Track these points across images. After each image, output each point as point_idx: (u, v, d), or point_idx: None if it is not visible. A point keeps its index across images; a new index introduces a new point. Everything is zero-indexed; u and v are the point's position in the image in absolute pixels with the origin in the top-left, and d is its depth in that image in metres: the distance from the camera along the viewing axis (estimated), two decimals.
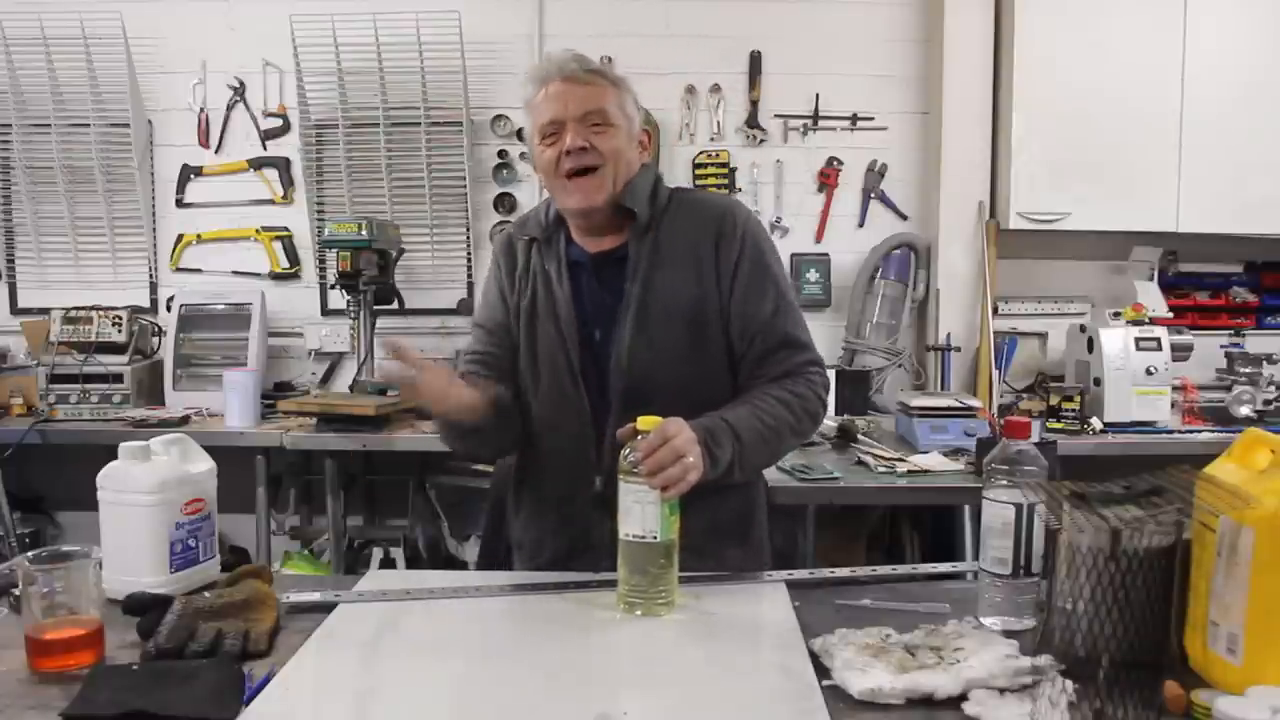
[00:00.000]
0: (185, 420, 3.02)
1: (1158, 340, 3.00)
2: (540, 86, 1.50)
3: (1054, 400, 2.95)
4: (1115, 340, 3.00)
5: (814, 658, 1.11)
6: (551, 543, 1.56)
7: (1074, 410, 2.91)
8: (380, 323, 3.29)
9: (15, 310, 3.52)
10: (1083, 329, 3.17)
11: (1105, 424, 2.95)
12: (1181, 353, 3.07)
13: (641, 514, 1.25)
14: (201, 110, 3.46)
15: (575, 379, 1.50)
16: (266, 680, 1.06)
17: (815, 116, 3.48)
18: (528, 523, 1.61)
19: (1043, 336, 3.50)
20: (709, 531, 1.47)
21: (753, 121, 3.48)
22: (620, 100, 1.52)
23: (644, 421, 1.28)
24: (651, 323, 1.49)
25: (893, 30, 3.45)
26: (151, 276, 3.52)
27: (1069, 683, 0.92)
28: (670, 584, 1.28)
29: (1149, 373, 2.96)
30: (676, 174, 3.43)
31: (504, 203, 3.48)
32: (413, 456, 3.01)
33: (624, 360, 1.48)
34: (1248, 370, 3.19)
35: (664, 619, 1.26)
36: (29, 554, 1.15)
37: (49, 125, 3.38)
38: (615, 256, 1.54)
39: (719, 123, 3.47)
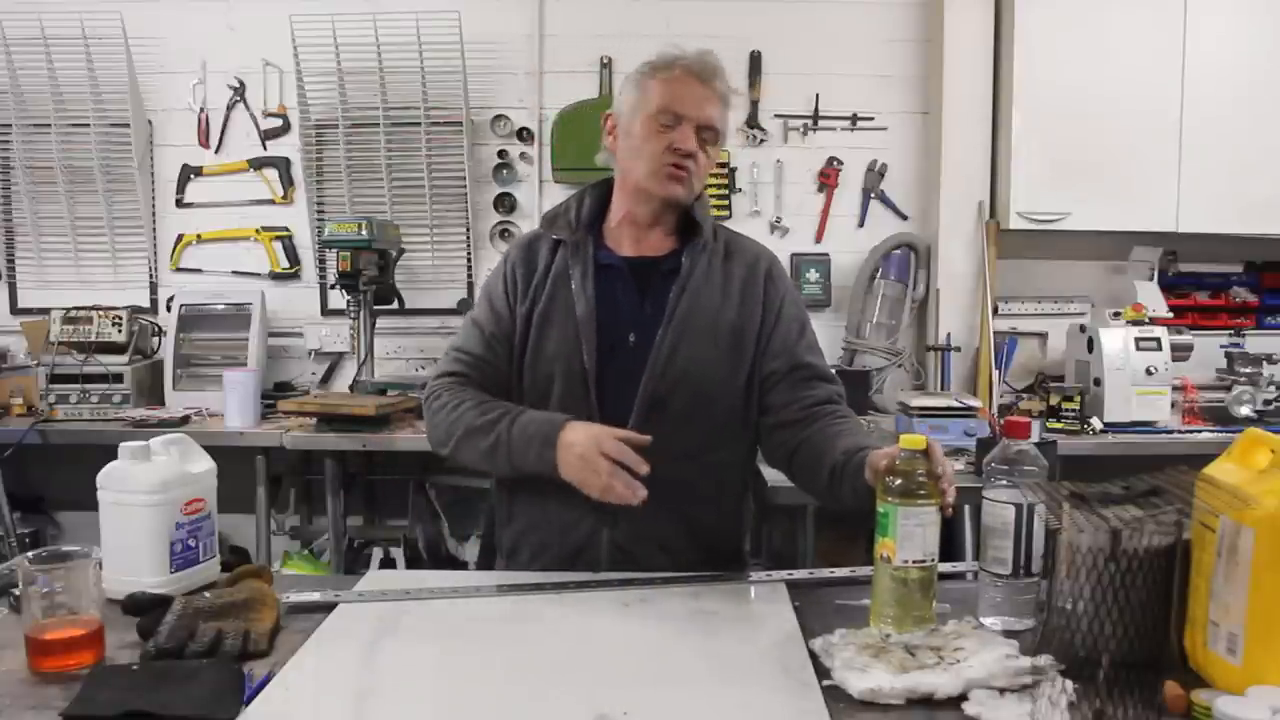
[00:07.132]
0: (185, 420, 3.02)
1: (1158, 340, 3.00)
2: (672, 70, 1.53)
3: (1054, 400, 2.94)
4: (1115, 340, 3.00)
5: (814, 658, 1.11)
6: (551, 551, 1.52)
7: (1074, 410, 2.91)
8: (380, 323, 3.30)
9: (15, 310, 3.51)
10: (1083, 329, 3.17)
11: (1105, 424, 2.95)
12: (1181, 353, 3.07)
13: (924, 537, 1.17)
14: (201, 110, 3.46)
15: (587, 384, 1.49)
16: (266, 680, 1.06)
17: (815, 116, 3.48)
18: (526, 530, 1.57)
19: (1043, 336, 3.49)
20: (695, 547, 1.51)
21: (753, 121, 3.48)
22: (727, 122, 1.60)
23: (908, 440, 1.20)
24: (695, 332, 1.52)
25: (893, 30, 3.45)
26: (151, 276, 3.51)
27: (1069, 683, 0.92)
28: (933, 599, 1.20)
29: (1149, 373, 2.96)
30: None
31: (504, 203, 3.48)
32: (413, 456, 3.01)
33: (661, 364, 1.49)
34: (1248, 370, 3.18)
35: (664, 619, 1.26)
36: (29, 554, 1.15)
37: (49, 125, 3.38)
38: (662, 268, 1.56)
39: None
